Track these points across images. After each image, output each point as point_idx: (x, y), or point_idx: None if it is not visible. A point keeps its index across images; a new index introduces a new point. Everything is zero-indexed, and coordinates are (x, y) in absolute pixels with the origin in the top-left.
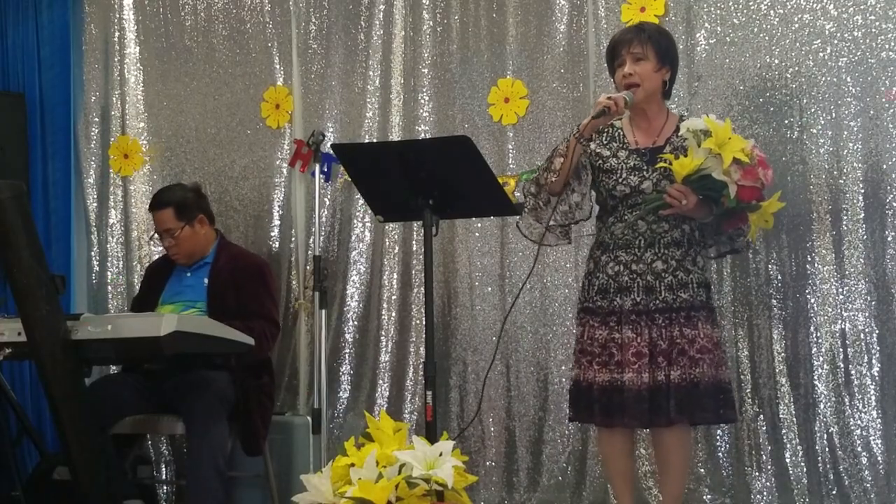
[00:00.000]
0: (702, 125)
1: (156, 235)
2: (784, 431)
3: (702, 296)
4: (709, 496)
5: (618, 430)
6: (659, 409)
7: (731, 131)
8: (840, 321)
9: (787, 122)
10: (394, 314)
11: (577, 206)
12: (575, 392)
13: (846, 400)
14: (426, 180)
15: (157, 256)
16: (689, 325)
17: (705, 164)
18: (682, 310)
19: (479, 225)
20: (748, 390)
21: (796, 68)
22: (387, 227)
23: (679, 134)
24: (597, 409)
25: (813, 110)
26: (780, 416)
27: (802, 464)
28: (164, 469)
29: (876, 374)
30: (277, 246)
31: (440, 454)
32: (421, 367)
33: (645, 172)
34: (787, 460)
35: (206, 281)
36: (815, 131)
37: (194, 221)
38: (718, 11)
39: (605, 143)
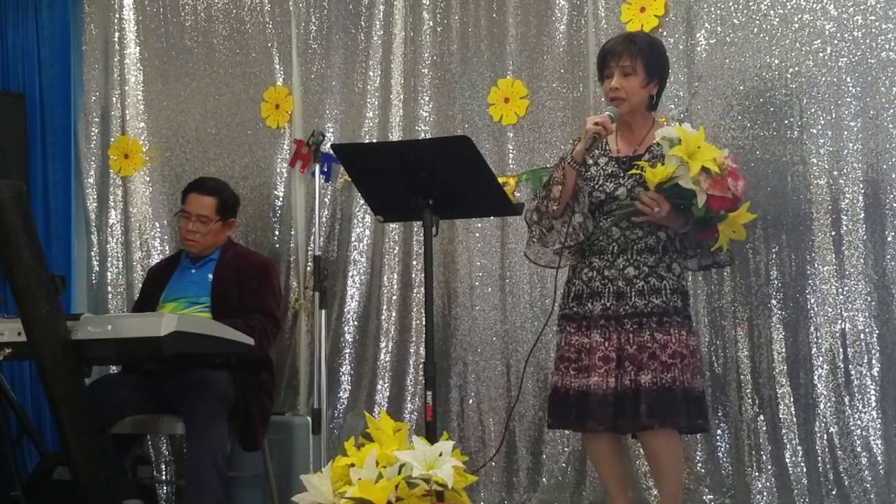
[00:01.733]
0: (675, 133)
1: (182, 213)
2: (784, 431)
3: (676, 302)
4: (709, 496)
5: (602, 433)
6: (623, 413)
7: (704, 140)
8: (840, 321)
9: (787, 122)
10: (394, 314)
11: (581, 227)
12: (553, 398)
13: (846, 400)
14: (426, 180)
15: (156, 257)
16: (662, 331)
17: (676, 173)
18: (654, 315)
19: (479, 225)
20: (748, 390)
21: (796, 68)
22: (387, 227)
23: (655, 142)
24: (573, 414)
25: (813, 110)
26: (780, 416)
27: (802, 464)
28: (164, 469)
29: (876, 374)
30: (277, 246)
31: (440, 454)
32: (421, 367)
33: (621, 179)
34: (787, 460)
35: (210, 277)
36: (815, 131)
37: (226, 222)
38: (718, 11)
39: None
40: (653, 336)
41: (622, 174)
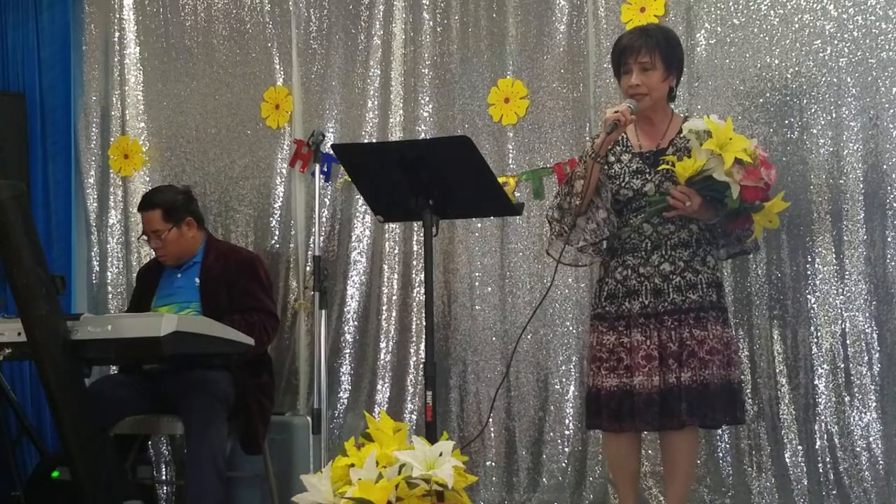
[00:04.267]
0: (703, 126)
1: (143, 236)
2: (784, 431)
3: (712, 296)
4: (709, 496)
5: (626, 433)
6: (671, 411)
7: (733, 131)
8: (840, 321)
9: (787, 122)
10: (394, 314)
11: (605, 222)
12: (588, 399)
13: (846, 400)
14: (426, 180)
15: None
16: (699, 326)
17: (707, 166)
18: (692, 311)
19: (479, 225)
20: (748, 390)
21: (796, 69)
22: (387, 227)
23: (681, 135)
24: (605, 413)
25: (813, 110)
26: (780, 416)
27: (802, 464)
28: (164, 469)
29: (876, 374)
30: (278, 246)
31: (440, 454)
32: (421, 367)
33: (647, 175)
34: (787, 460)
35: (197, 280)
36: (815, 131)
37: (181, 224)
38: (718, 12)
39: (609, 148)
40: (691, 333)
41: (648, 170)
